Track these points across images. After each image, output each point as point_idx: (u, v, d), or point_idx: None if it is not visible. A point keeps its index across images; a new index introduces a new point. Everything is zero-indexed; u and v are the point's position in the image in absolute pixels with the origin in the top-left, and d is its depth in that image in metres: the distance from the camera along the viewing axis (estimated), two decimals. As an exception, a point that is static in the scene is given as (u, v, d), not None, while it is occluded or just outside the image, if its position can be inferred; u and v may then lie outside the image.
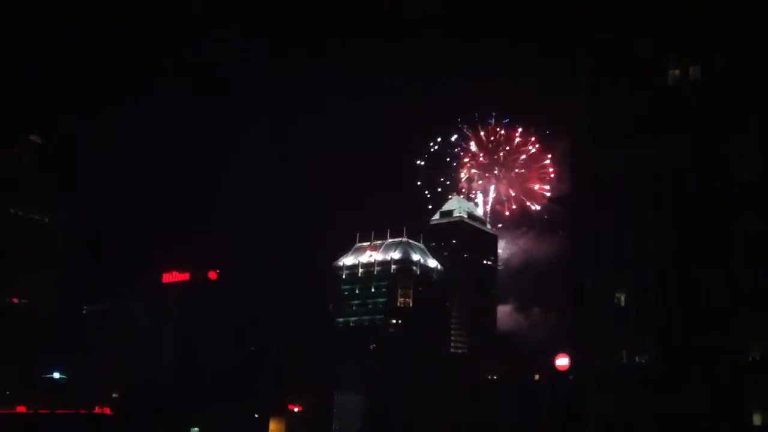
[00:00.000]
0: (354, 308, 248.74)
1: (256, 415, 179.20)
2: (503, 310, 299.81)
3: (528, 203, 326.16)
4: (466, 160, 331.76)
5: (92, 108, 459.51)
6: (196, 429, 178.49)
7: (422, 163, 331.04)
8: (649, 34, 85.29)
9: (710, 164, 79.03)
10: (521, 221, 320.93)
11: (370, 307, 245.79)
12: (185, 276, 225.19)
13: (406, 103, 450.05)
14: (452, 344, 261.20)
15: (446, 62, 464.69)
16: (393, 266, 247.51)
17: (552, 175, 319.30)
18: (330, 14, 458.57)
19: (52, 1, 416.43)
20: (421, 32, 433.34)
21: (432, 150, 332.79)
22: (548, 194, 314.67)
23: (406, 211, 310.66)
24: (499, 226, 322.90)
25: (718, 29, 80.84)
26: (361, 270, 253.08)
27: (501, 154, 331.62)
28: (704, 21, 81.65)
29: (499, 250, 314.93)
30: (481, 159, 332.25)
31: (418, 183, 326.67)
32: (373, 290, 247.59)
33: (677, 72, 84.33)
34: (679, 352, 77.36)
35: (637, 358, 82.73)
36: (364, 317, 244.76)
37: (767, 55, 77.73)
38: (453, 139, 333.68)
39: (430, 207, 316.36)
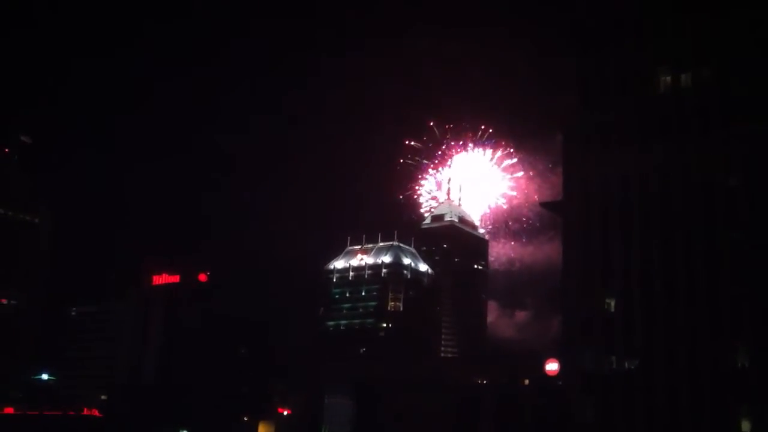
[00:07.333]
0: (344, 311, 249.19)
1: (246, 418, 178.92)
2: (506, 314, 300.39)
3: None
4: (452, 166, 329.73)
5: (86, 110, 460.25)
6: (184, 431, 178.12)
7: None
8: (640, 41, 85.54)
9: (697, 171, 79.34)
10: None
11: (360, 310, 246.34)
12: (175, 278, 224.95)
13: (397, 103, 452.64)
14: (442, 348, 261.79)
15: (438, 61, 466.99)
16: (384, 270, 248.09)
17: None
18: (325, 14, 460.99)
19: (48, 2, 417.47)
20: (409, 30, 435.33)
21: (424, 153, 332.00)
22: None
23: (398, 215, 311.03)
24: (487, 227, 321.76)
25: (706, 36, 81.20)
26: (351, 273, 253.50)
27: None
28: (697, 27, 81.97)
29: (490, 256, 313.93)
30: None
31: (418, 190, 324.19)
32: (363, 294, 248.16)
33: (668, 79, 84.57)
34: (665, 358, 77.57)
35: (626, 364, 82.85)
36: (355, 320, 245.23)
37: (754, 63, 78.12)
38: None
39: (422, 211, 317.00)
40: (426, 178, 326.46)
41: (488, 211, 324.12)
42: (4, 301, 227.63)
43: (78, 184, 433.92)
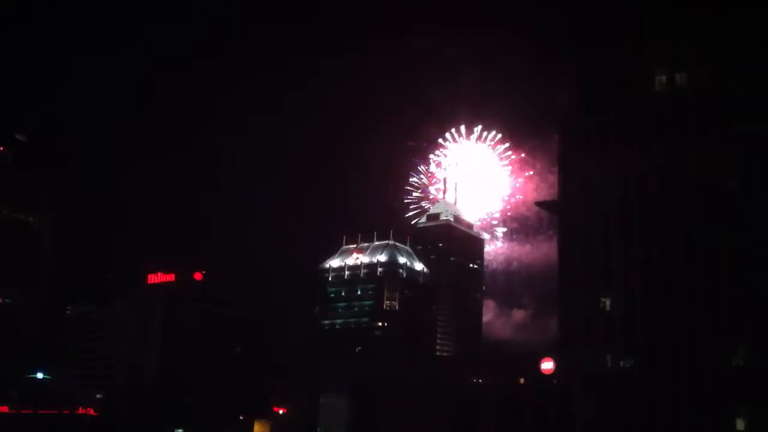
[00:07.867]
0: (340, 311, 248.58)
1: (241, 417, 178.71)
2: (503, 314, 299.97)
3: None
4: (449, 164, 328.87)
5: (86, 110, 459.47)
6: (180, 430, 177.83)
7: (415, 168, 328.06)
8: (640, 41, 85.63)
9: (696, 171, 79.51)
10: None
11: (356, 309, 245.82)
12: (170, 277, 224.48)
13: (395, 103, 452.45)
14: (438, 347, 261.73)
15: (437, 61, 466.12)
16: (379, 269, 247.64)
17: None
18: (325, 14, 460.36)
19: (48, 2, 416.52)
20: (409, 30, 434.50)
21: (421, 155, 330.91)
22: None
23: (393, 214, 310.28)
24: (484, 227, 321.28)
25: (706, 36, 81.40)
26: (347, 272, 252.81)
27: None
28: (697, 27, 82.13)
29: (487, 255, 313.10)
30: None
31: (411, 190, 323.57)
32: (359, 293, 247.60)
33: (663, 79, 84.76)
34: (663, 357, 77.77)
35: (621, 363, 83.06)
36: (350, 320, 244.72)
37: (753, 63, 78.34)
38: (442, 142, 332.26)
39: (416, 210, 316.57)
40: (421, 177, 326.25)
41: (485, 210, 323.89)
42: (0, 300, 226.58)
43: (78, 184, 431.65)
